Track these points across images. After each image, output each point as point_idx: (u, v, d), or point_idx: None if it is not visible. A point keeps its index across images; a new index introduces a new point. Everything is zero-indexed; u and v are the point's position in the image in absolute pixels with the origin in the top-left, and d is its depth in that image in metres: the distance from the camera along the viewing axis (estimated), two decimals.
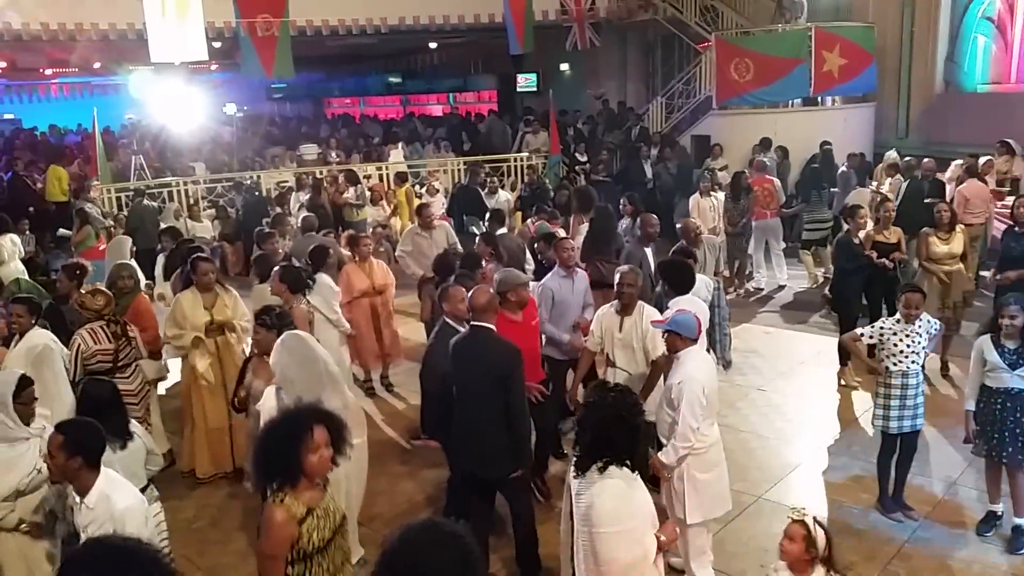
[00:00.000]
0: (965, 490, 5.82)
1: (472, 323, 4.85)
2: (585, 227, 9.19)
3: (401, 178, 14.23)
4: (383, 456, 6.62)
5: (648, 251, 7.41)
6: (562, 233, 8.89)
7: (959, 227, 7.68)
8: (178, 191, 14.17)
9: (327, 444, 3.14)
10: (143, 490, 4.28)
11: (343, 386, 4.58)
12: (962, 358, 7.71)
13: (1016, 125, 12.65)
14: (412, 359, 8.39)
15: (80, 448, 3.47)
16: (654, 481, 4.49)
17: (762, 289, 11.32)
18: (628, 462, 3.36)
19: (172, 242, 8.91)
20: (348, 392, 4.58)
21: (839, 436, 6.79)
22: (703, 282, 6.19)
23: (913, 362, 5.32)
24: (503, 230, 9.16)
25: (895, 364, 5.33)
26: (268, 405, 4.47)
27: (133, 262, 8.04)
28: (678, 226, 7.97)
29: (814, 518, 3.20)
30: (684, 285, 5.56)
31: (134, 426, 4.43)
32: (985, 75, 14.62)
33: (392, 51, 28.18)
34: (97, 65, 23.38)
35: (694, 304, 5.13)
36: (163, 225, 11.95)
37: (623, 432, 3.36)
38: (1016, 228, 7.43)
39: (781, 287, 11.29)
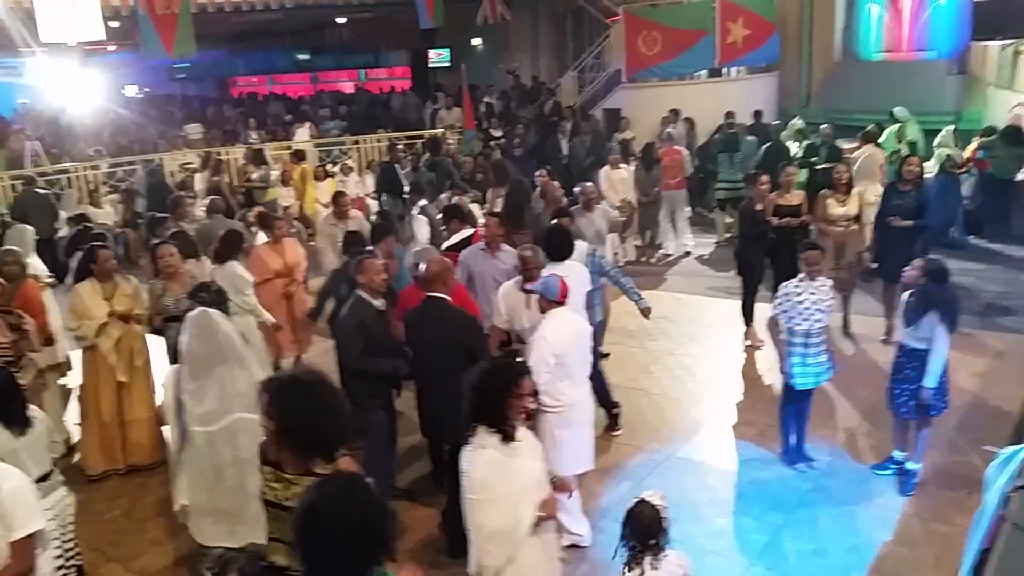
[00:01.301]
0: (863, 439, 6.12)
1: (427, 295, 4.90)
2: (500, 200, 9.28)
3: (298, 156, 13.93)
4: None
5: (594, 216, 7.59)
6: (477, 208, 8.96)
7: (855, 190, 8.02)
8: (77, 177, 13.61)
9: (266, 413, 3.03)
10: (48, 476, 4.20)
11: (252, 363, 4.48)
12: (864, 315, 8.12)
13: (910, 91, 13.27)
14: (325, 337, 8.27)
15: None
16: None
17: (670, 255, 11.59)
18: (502, 430, 3.35)
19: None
20: (259, 372, 4.50)
21: (746, 394, 7.05)
22: (581, 248, 6.31)
23: (817, 320, 5.54)
24: (424, 202, 9.14)
25: (799, 324, 5.55)
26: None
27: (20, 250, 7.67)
28: (576, 190, 8.14)
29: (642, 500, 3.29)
30: (560, 251, 5.70)
31: (35, 411, 4.28)
32: (880, 44, 15.21)
33: (300, 27, 27.54)
34: None
35: (569, 270, 5.38)
36: (63, 213, 11.51)
37: (487, 398, 3.37)
38: (899, 185, 7.79)
39: (687, 253, 11.60)
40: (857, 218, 7.95)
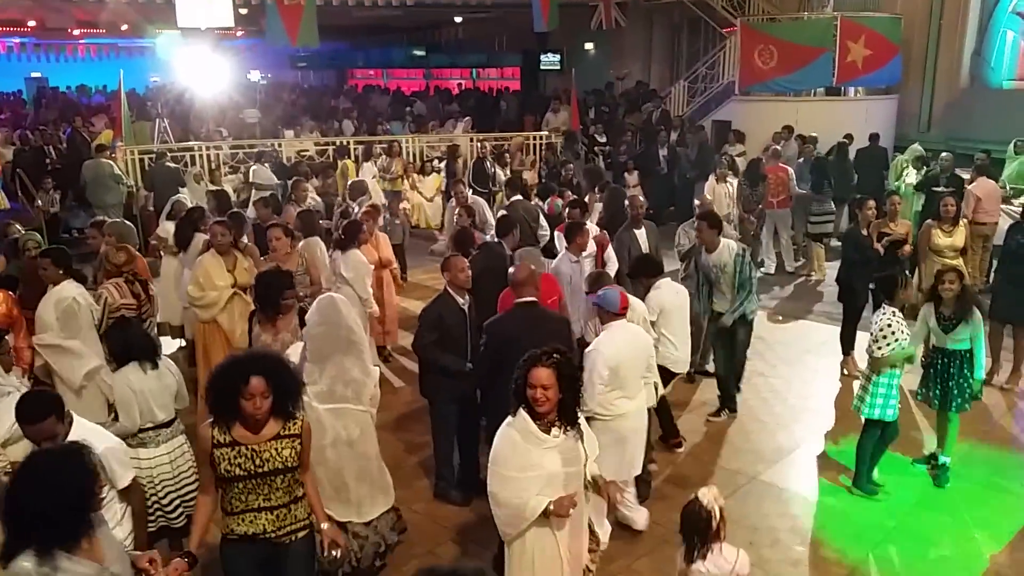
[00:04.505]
0: (954, 479, 5.89)
1: (518, 300, 5.05)
2: (599, 205, 9.33)
3: (342, 152, 14.25)
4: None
5: (639, 233, 7.57)
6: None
7: (963, 221, 7.78)
8: (201, 155, 14.31)
9: (263, 394, 3.31)
10: (171, 423, 4.60)
11: (365, 356, 4.57)
12: None
13: None
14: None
15: (61, 412, 3.46)
16: None
17: (771, 275, 11.39)
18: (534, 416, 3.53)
19: (216, 205, 8.74)
20: (369, 363, 4.61)
21: (837, 423, 6.88)
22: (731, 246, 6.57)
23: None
24: (518, 197, 9.30)
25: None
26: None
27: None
28: (696, 203, 8.07)
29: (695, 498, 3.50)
30: (648, 269, 5.86)
31: (167, 363, 4.70)
32: (1012, 71, 14.49)
33: (417, 24, 28.18)
34: (124, 27, 23.56)
35: (670, 286, 5.80)
36: (182, 190, 12.11)
37: (515, 382, 3.56)
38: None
39: (790, 274, 11.36)
40: (963, 250, 7.68)
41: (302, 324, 5.21)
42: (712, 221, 6.69)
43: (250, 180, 12.26)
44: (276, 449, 3.42)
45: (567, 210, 7.70)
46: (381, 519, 4.67)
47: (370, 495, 4.58)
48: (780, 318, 9.63)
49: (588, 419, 4.72)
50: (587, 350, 4.81)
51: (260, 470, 3.39)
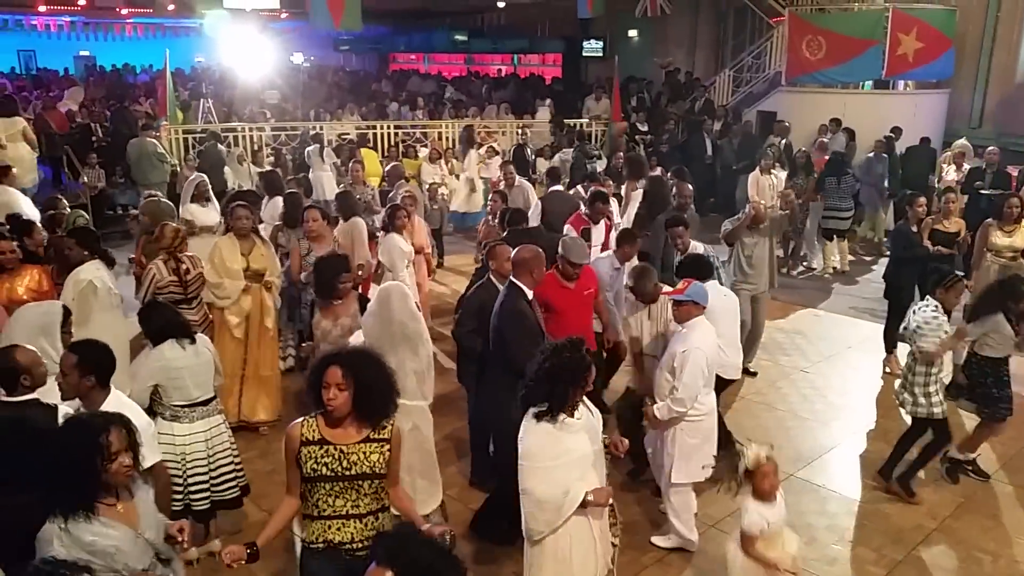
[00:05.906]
0: (1001, 484, 5.78)
1: (510, 279, 4.90)
2: (638, 194, 9.23)
3: (361, 142, 13.98)
4: None
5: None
6: (614, 204, 8.92)
7: None
8: (243, 136, 14.43)
9: (338, 385, 3.21)
10: (210, 401, 4.61)
11: (421, 348, 4.49)
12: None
13: None
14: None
15: (93, 367, 3.58)
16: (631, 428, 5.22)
17: (814, 269, 11.20)
18: (563, 410, 3.55)
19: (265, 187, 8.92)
20: (425, 354, 4.54)
21: (877, 422, 6.77)
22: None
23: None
24: (558, 187, 9.27)
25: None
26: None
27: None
28: (747, 206, 7.79)
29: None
30: (700, 272, 5.64)
31: (204, 339, 4.70)
32: None
33: (460, 8, 28.09)
34: (171, 7, 23.78)
35: (718, 290, 5.57)
36: (227, 168, 12.22)
37: (555, 386, 3.53)
38: None
39: (834, 270, 11.15)
40: None
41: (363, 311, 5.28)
42: (687, 225, 6.72)
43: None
44: (364, 452, 3.28)
45: (593, 204, 7.47)
46: (433, 513, 4.68)
47: (426, 489, 4.58)
48: (820, 313, 9.48)
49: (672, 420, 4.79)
50: (683, 350, 4.64)
51: (347, 472, 3.26)
